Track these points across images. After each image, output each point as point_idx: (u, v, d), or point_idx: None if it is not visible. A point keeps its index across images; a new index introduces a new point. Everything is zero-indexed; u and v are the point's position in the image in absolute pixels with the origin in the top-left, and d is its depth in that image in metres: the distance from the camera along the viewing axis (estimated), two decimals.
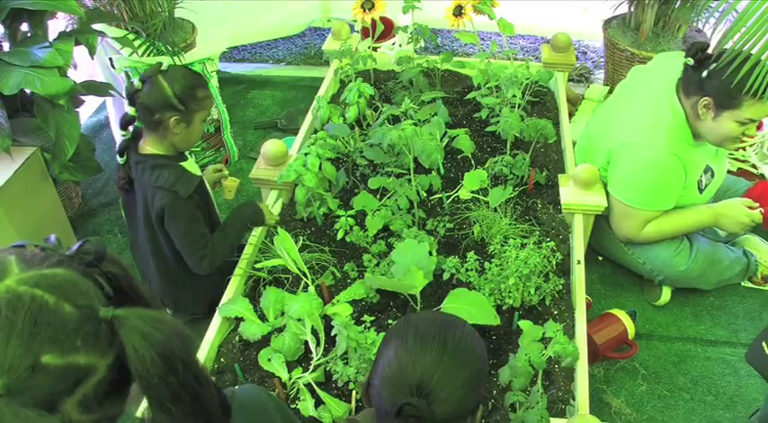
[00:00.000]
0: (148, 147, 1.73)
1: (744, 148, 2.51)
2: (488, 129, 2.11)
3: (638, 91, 2.01)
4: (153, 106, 1.65)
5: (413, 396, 0.94)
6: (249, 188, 2.50)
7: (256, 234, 1.86)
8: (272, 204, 1.96)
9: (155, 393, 0.65)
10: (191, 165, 1.81)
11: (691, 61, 1.82)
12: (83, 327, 0.62)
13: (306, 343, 1.56)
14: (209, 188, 1.90)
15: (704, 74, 1.77)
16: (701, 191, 1.97)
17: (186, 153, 1.85)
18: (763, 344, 1.53)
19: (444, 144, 2.04)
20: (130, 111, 1.68)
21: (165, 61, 1.69)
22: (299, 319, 1.56)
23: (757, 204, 1.96)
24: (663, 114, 1.87)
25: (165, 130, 1.68)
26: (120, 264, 0.71)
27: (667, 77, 1.92)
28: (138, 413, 0.76)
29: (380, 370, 0.99)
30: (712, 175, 1.99)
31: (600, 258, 2.27)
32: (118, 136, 2.41)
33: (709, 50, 1.81)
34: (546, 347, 1.41)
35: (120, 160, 1.78)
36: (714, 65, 1.75)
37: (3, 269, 0.63)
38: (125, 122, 1.72)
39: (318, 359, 1.52)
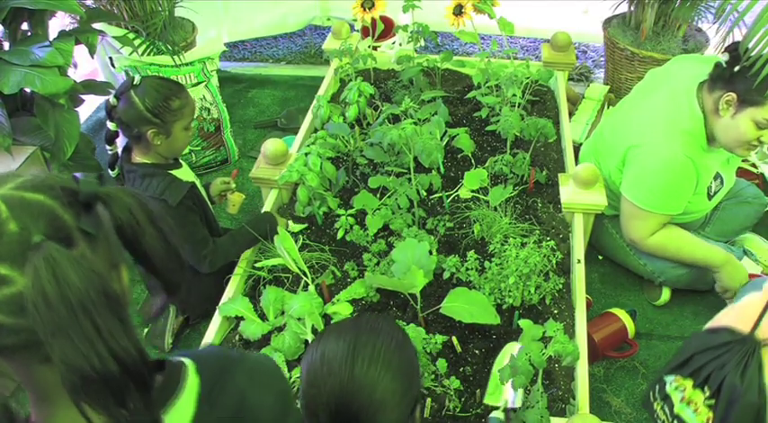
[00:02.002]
0: (138, 157, 1.74)
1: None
2: (488, 128, 2.11)
3: (655, 93, 2.00)
4: (129, 122, 1.65)
5: None
6: (249, 187, 2.50)
7: None
8: (272, 204, 1.96)
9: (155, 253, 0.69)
10: (183, 172, 1.80)
11: (726, 57, 1.81)
12: (11, 244, 0.60)
13: (306, 342, 1.56)
14: (203, 192, 1.89)
15: (736, 68, 1.75)
16: (710, 197, 1.97)
17: (180, 160, 1.85)
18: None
19: (444, 143, 2.04)
20: (111, 126, 1.68)
21: (137, 77, 1.67)
22: (299, 319, 1.57)
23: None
24: (680, 117, 1.87)
25: (146, 142, 1.69)
26: (133, 211, 0.68)
27: (685, 79, 1.92)
28: None
29: (301, 394, 0.97)
30: (722, 183, 1.99)
31: (600, 257, 2.27)
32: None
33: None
34: (546, 346, 1.41)
35: (111, 173, 1.78)
36: (745, 61, 1.74)
37: (3, 179, 0.64)
38: (108, 138, 1.72)
39: None
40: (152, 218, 0.70)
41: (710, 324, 1.59)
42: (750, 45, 1.74)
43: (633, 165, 1.92)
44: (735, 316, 1.52)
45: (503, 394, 1.42)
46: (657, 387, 1.55)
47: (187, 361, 0.76)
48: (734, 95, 1.76)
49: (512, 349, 1.50)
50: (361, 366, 0.93)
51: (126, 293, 0.68)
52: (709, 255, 1.95)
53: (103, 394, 0.60)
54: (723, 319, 1.56)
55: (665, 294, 2.09)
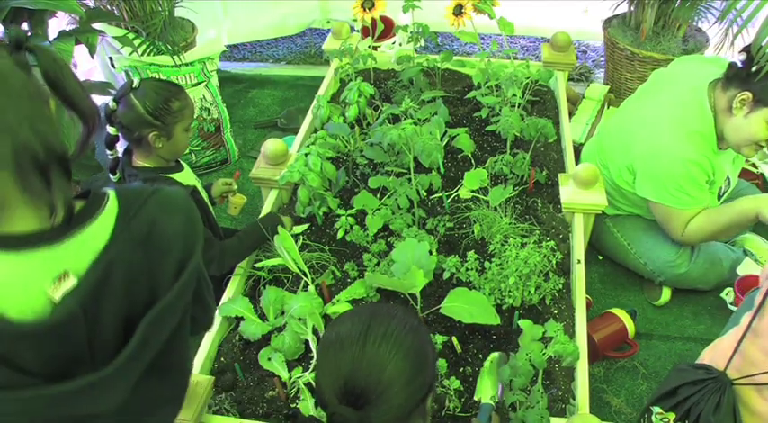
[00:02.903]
0: (139, 161, 1.73)
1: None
2: (488, 128, 2.11)
3: (661, 93, 2.00)
4: (129, 125, 1.64)
5: (340, 403, 0.94)
6: (249, 187, 2.50)
7: None
8: (272, 204, 1.96)
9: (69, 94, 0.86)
10: (185, 175, 1.80)
11: (743, 56, 1.81)
12: None
13: (306, 342, 1.56)
14: (204, 195, 1.88)
15: (754, 68, 1.76)
16: (719, 198, 1.98)
17: (183, 162, 1.84)
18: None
19: (444, 143, 2.04)
20: (111, 131, 1.68)
21: (136, 79, 1.67)
22: (299, 319, 1.57)
23: None
24: (689, 117, 1.87)
25: (147, 146, 1.68)
26: (55, 60, 0.84)
27: (691, 79, 1.92)
28: None
29: (316, 376, 1.02)
30: (729, 184, 2.00)
31: (600, 258, 2.27)
32: None
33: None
34: (546, 347, 1.41)
35: (112, 178, 1.78)
36: (757, 61, 1.75)
37: None
38: (109, 143, 1.72)
39: None
40: (67, 66, 0.87)
41: (700, 357, 1.65)
42: (763, 43, 1.74)
43: (650, 168, 1.91)
44: (721, 351, 1.58)
45: (491, 390, 1.45)
46: (646, 415, 1.60)
47: (110, 191, 0.90)
48: (749, 94, 1.77)
49: (498, 360, 1.51)
50: (372, 344, 0.96)
51: (54, 120, 0.85)
52: (738, 209, 1.87)
53: (34, 173, 0.80)
54: (709, 354, 1.64)
55: (666, 294, 2.09)
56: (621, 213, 2.12)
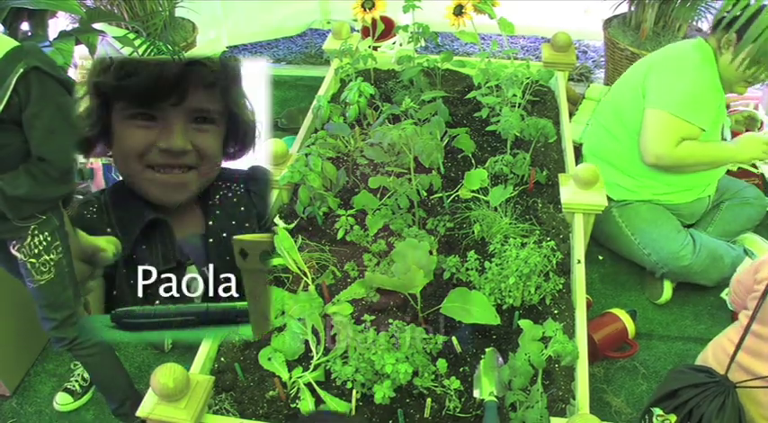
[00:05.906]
0: None
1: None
2: (489, 128, 2.11)
3: (651, 62, 2.10)
4: None
5: None
6: None
7: None
8: (272, 204, 1.96)
9: None
10: None
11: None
12: None
13: (306, 342, 1.56)
14: None
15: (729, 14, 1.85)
16: (722, 137, 2.13)
17: None
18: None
19: (445, 143, 2.04)
20: None
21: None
22: (299, 319, 1.57)
23: None
24: (690, 51, 2.00)
25: None
26: None
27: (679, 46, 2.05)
28: None
29: None
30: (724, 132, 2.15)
31: (600, 258, 2.27)
32: None
33: None
34: (546, 347, 1.41)
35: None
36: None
37: None
38: None
39: (318, 358, 1.52)
40: None
41: (701, 355, 1.67)
42: None
43: (661, 77, 2.00)
44: (722, 348, 1.60)
45: (488, 387, 1.46)
46: (646, 417, 1.62)
47: None
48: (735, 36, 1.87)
49: (492, 355, 1.53)
50: None
51: None
52: (722, 152, 2.05)
53: None
54: (711, 349, 1.66)
55: (667, 292, 2.09)
56: (628, 199, 2.11)
